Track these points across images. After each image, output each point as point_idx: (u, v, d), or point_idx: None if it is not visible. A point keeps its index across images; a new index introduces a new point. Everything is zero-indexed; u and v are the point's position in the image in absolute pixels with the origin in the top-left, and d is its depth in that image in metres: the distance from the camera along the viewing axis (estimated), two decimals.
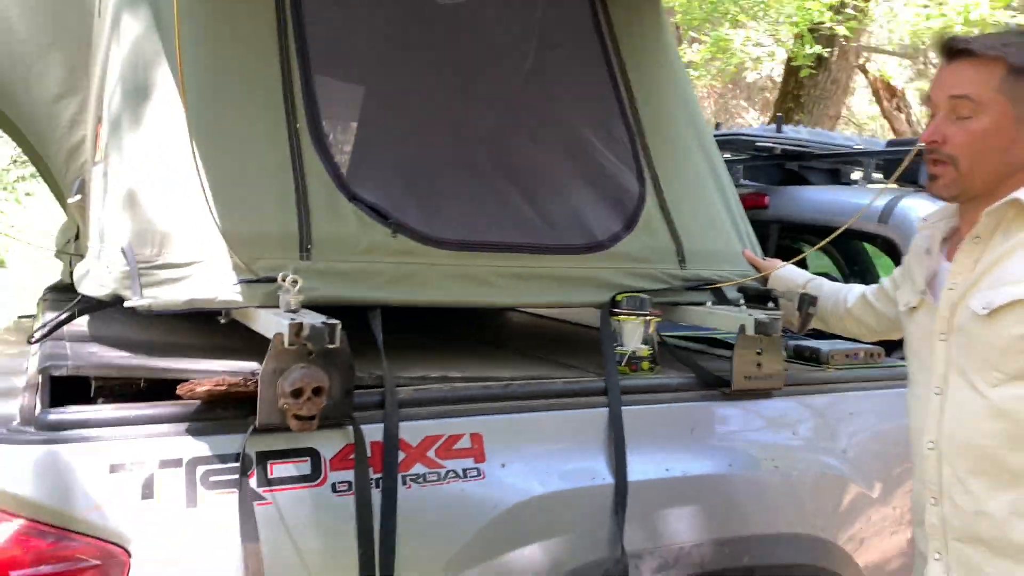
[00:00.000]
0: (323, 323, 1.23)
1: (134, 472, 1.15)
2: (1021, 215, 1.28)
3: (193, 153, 1.35)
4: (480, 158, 1.78)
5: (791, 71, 6.16)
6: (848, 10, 5.36)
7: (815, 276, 1.93)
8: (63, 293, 2.22)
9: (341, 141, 1.62)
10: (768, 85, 10.15)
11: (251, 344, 1.41)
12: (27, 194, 7.79)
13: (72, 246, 2.17)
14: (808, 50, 5.35)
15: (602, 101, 2.01)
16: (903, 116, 11.97)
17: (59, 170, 1.80)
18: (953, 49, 1.30)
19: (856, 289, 1.79)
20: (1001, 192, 1.30)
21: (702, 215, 2.00)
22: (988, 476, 1.29)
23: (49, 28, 1.72)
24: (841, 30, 5.27)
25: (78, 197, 1.73)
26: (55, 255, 2.49)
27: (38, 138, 1.82)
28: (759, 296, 1.87)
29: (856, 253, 2.97)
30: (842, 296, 1.81)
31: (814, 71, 5.71)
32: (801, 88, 5.94)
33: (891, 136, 13.04)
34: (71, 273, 2.14)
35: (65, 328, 1.49)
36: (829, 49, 5.67)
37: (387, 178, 1.63)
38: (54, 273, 2.66)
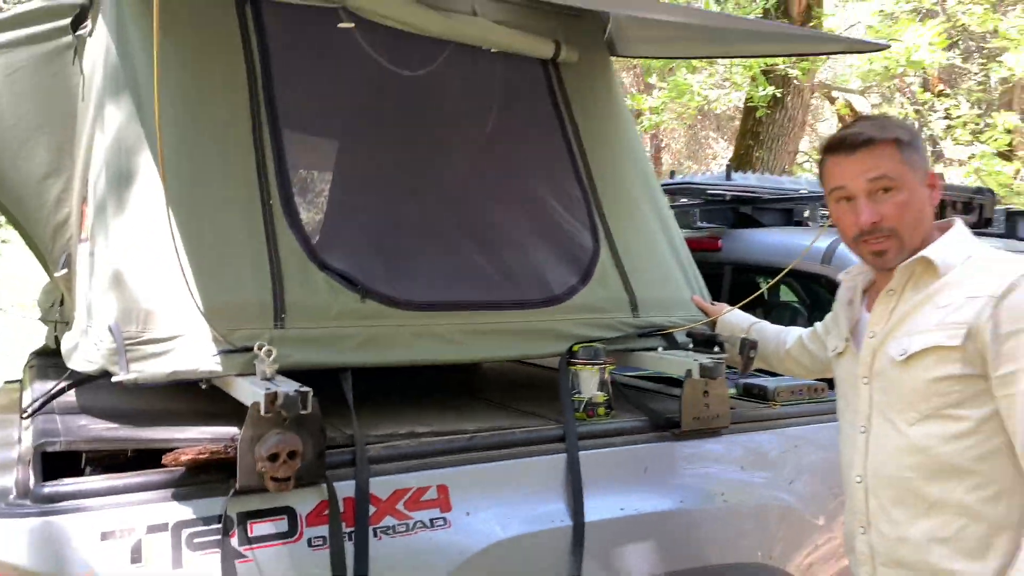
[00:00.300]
0: (296, 391, 1.34)
1: (124, 538, 1.25)
2: (928, 270, 1.44)
3: (172, 233, 1.46)
4: (444, 221, 1.91)
5: (749, 110, 6.43)
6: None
7: (759, 320, 2.08)
8: (49, 359, 2.31)
9: (312, 212, 1.75)
10: (737, 115, 10.48)
11: (231, 407, 1.52)
12: (3, 241, 7.84)
13: (57, 311, 2.26)
14: (762, 92, 5.60)
15: (558, 163, 2.15)
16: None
17: (45, 245, 1.90)
18: (854, 143, 1.46)
19: (794, 332, 1.94)
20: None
21: (652, 265, 2.14)
22: (908, 506, 1.42)
23: (36, 112, 1.84)
24: (795, 72, 5.54)
25: (64, 271, 1.84)
26: (40, 319, 2.58)
27: (25, 215, 1.93)
28: (706, 340, 2.01)
29: (814, 287, 3.13)
30: (782, 339, 1.95)
31: (769, 111, 5.97)
32: (760, 125, 6.19)
33: None
34: (56, 338, 2.23)
35: (56, 401, 1.58)
36: (783, 90, 5.94)
37: (355, 245, 1.75)
38: (25, 318, 2.73)
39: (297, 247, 1.64)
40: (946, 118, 8.86)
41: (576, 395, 1.84)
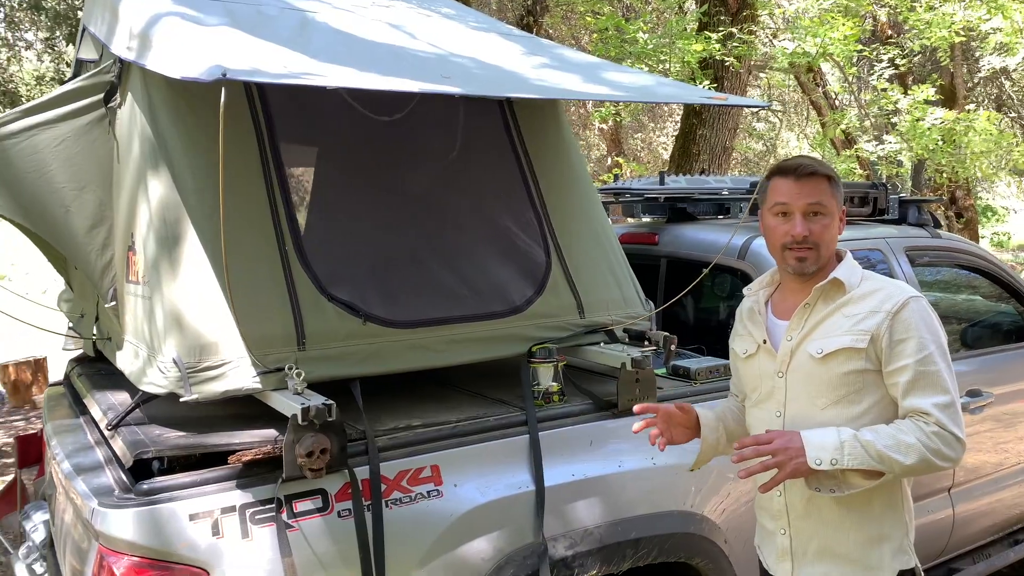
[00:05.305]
0: (323, 404, 1.79)
1: (206, 518, 1.71)
2: (836, 288, 1.81)
3: (217, 282, 1.88)
4: (422, 250, 2.34)
5: None
6: (733, 43, 6.07)
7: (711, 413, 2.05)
8: (90, 366, 2.72)
9: (317, 252, 2.16)
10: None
11: (258, 411, 1.95)
12: None
13: (94, 327, 2.65)
14: (699, 86, 6.04)
15: (514, 189, 2.58)
16: (820, 90, 12.89)
17: (96, 281, 2.30)
18: (802, 172, 1.82)
19: (727, 400, 2.11)
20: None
21: (594, 273, 2.59)
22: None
23: (81, 174, 2.21)
24: (729, 60, 5.96)
25: (113, 303, 2.24)
26: (71, 330, 2.97)
27: (77, 259, 2.31)
28: (638, 335, 2.50)
29: (731, 277, 3.61)
30: (728, 406, 2.09)
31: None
32: (702, 107, 6.64)
33: (812, 111, 13.95)
34: (95, 348, 2.64)
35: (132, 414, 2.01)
36: (721, 73, 6.34)
37: (354, 277, 2.18)
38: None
39: (310, 284, 2.06)
40: (891, 66, 9.28)
41: (535, 386, 2.31)
